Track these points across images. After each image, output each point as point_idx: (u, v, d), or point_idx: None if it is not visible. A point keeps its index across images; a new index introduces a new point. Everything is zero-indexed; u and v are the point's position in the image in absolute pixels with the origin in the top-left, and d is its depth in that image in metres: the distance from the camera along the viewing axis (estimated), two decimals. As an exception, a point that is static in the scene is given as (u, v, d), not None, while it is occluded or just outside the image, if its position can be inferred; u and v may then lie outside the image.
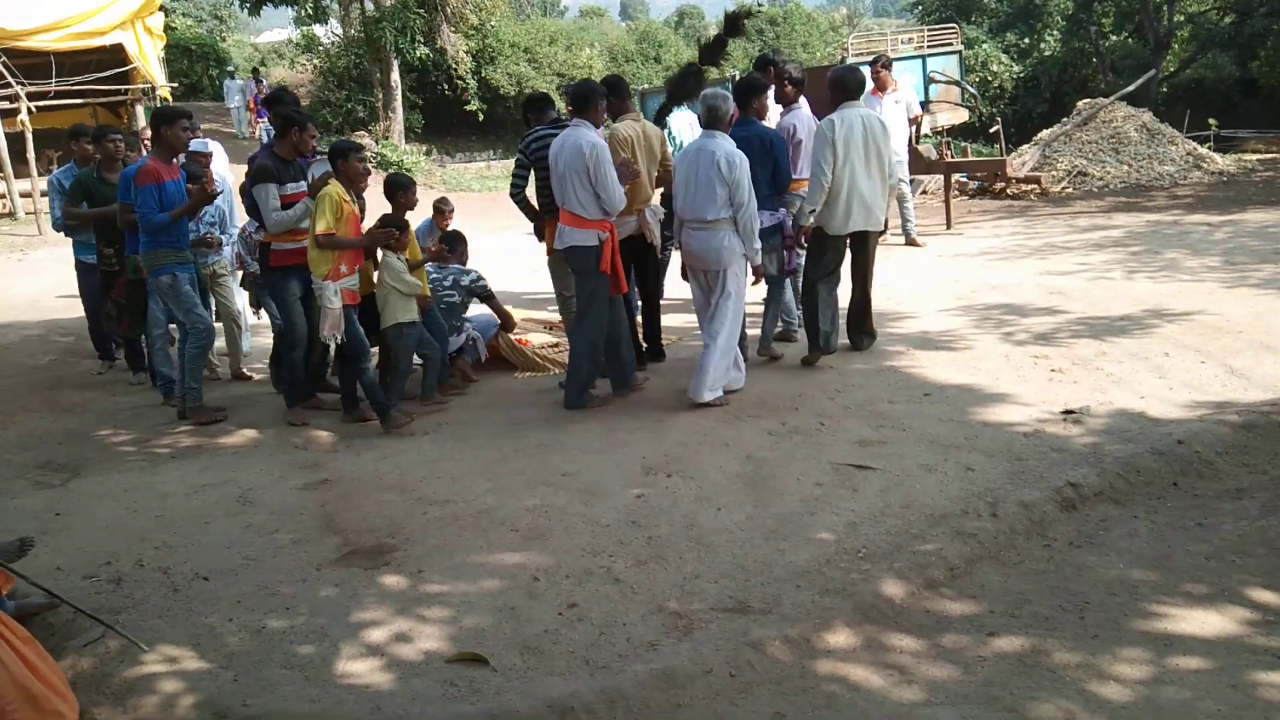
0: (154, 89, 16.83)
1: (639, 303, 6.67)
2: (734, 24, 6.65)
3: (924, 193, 14.49)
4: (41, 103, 15.71)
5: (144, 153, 7.42)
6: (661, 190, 6.39)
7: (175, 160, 6.12)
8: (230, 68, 28.15)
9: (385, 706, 3.06)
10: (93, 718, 3.11)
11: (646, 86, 22.17)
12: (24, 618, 3.44)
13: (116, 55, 16.23)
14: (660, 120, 7.07)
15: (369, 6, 23.96)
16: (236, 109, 24.45)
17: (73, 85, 15.92)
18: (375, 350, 6.18)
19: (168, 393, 6.49)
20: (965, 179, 14.51)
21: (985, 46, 27.75)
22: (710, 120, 5.67)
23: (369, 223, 5.92)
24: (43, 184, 16.80)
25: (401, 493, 4.76)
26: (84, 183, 6.90)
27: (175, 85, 21.68)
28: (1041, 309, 7.36)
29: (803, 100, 7.03)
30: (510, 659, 3.30)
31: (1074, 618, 3.44)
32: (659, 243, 6.39)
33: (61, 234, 7.29)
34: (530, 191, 6.44)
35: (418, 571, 3.94)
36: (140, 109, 16.71)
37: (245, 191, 6.02)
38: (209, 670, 3.31)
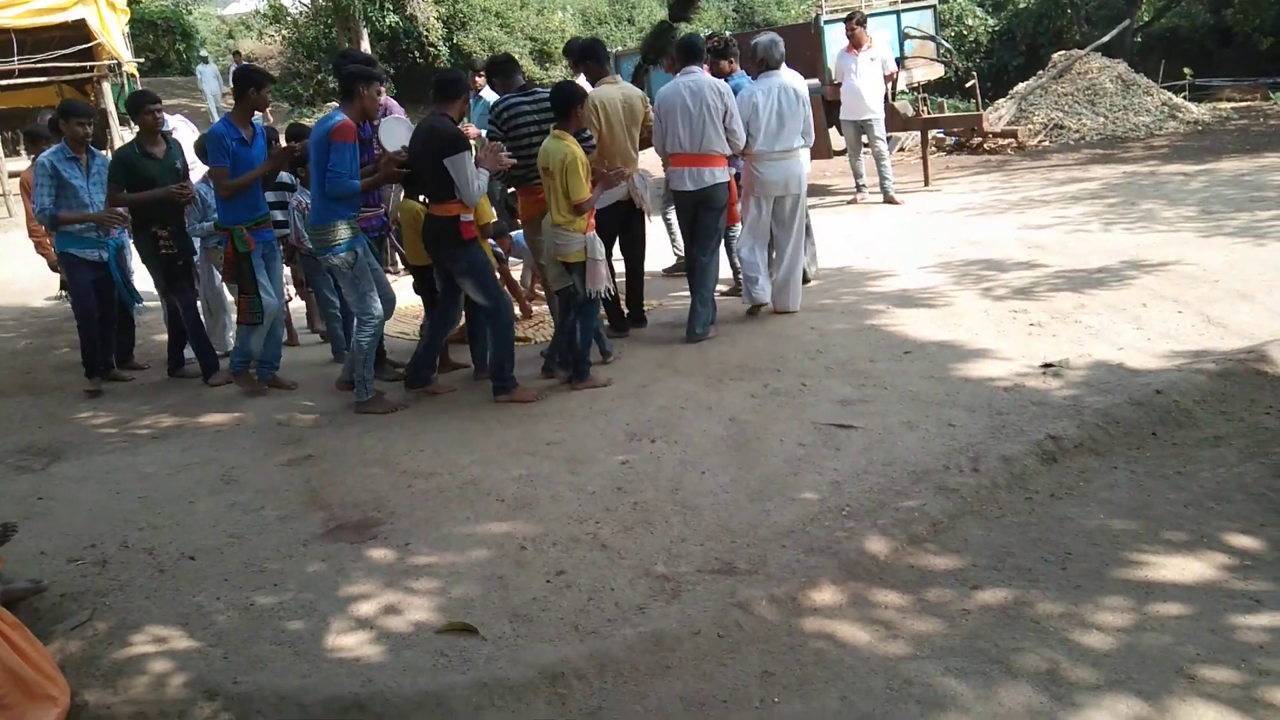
0: (120, 64, 16.52)
1: (623, 268, 6.65)
2: None
3: (901, 150, 14.45)
4: (4, 82, 15.41)
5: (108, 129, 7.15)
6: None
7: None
8: (203, 53, 25.97)
9: (376, 679, 3.08)
10: (83, 700, 3.11)
11: (621, 49, 21.97)
12: (10, 603, 3.44)
13: (80, 31, 15.89)
14: (638, 80, 7.00)
15: (336, -26, 23.55)
16: (214, 96, 22.01)
17: (36, 63, 15.61)
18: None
19: (239, 370, 6.07)
20: (942, 135, 14.47)
21: (960, 0, 27.57)
22: (772, 61, 6.40)
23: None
24: (12, 165, 16.57)
25: (386, 466, 4.76)
26: (126, 160, 6.22)
27: (142, 60, 21.20)
28: (1020, 263, 7.38)
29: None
30: (500, 627, 3.31)
31: (1056, 569, 3.48)
32: (649, 209, 6.36)
33: (45, 227, 6.59)
34: None
35: (405, 544, 3.95)
36: (107, 86, 16.41)
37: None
38: (198, 649, 3.31)
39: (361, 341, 5.45)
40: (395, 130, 5.67)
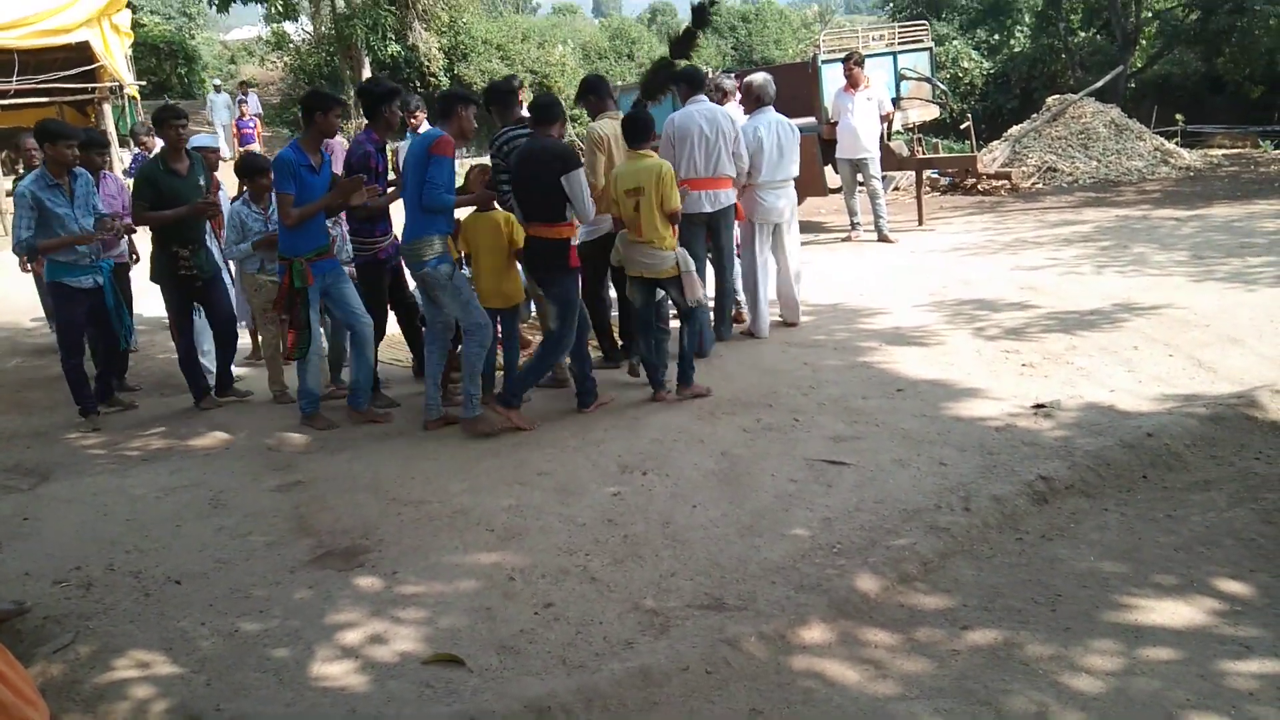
0: (121, 87, 16.62)
1: (615, 300, 6.68)
2: (700, 15, 6.68)
3: (896, 189, 14.56)
4: (4, 101, 15.48)
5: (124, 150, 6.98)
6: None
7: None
8: (216, 81, 25.33)
9: (361, 709, 3.05)
10: (63, 725, 3.07)
11: (620, 84, 22.17)
12: (-8, 625, 3.40)
13: (83, 53, 16.01)
14: None
15: (340, 3, 23.84)
16: (225, 127, 21.12)
17: (37, 83, 15.68)
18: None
19: (311, 411, 5.86)
20: (937, 175, 14.59)
21: (956, 43, 27.93)
22: (767, 98, 6.92)
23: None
24: (9, 184, 16.58)
25: (375, 493, 4.74)
26: (150, 177, 6.02)
27: (144, 83, 21.35)
28: (1012, 304, 7.42)
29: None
30: (487, 659, 3.29)
31: (1046, 610, 3.47)
32: None
33: (21, 257, 6.42)
34: None
35: (392, 573, 3.92)
36: (108, 107, 16.49)
37: None
38: (181, 675, 3.28)
39: (471, 353, 5.41)
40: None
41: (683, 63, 6.61)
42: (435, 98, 6.17)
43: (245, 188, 6.38)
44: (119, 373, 6.87)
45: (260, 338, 6.75)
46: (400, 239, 5.59)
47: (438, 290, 5.39)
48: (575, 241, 5.66)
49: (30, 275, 7.62)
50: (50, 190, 5.82)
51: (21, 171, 7.24)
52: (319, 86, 25.42)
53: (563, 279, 5.47)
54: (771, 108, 6.97)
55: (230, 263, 6.79)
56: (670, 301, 5.90)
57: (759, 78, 7.07)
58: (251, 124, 20.28)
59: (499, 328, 5.88)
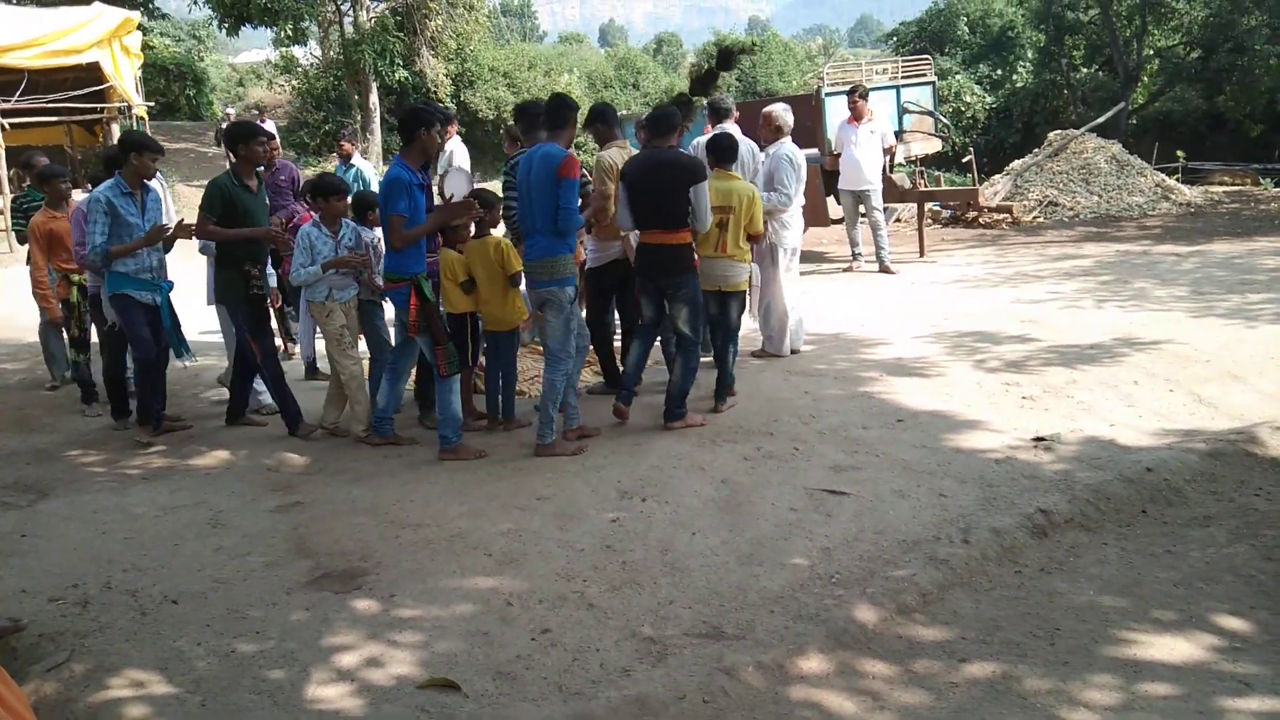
0: (130, 108, 16.76)
1: (618, 327, 6.70)
2: (726, 58, 6.77)
3: (898, 221, 14.63)
4: (15, 119, 15.60)
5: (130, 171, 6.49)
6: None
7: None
8: (229, 109, 24.79)
9: (356, 732, 3.03)
10: (56, 744, 3.06)
11: (625, 113, 22.32)
12: (-13, 641, 3.39)
13: (93, 73, 16.16)
14: None
15: (348, 29, 24.01)
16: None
17: (47, 103, 15.82)
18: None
19: (456, 442, 5.51)
20: (938, 207, 14.67)
21: (959, 77, 28.19)
22: (788, 129, 7.09)
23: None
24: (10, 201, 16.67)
25: (374, 516, 4.73)
26: (224, 190, 5.82)
27: (152, 104, 21.50)
28: (1013, 336, 7.44)
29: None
30: (483, 685, 3.28)
31: (1044, 644, 3.46)
32: None
33: (94, 266, 6.03)
34: None
35: (390, 596, 3.91)
36: (116, 127, 16.62)
37: None
38: (176, 695, 3.27)
39: (557, 380, 5.41)
40: (458, 181, 5.73)
41: (699, 100, 6.71)
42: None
43: (317, 209, 6.03)
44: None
45: (340, 371, 5.99)
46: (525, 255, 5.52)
47: (554, 309, 5.39)
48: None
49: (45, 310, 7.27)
50: (124, 199, 5.80)
51: (28, 189, 7.21)
52: (327, 111, 25.62)
53: (689, 281, 5.64)
54: (790, 138, 7.08)
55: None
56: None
57: (779, 108, 7.15)
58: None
59: (497, 351, 5.89)
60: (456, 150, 8.76)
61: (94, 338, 7.08)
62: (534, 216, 5.29)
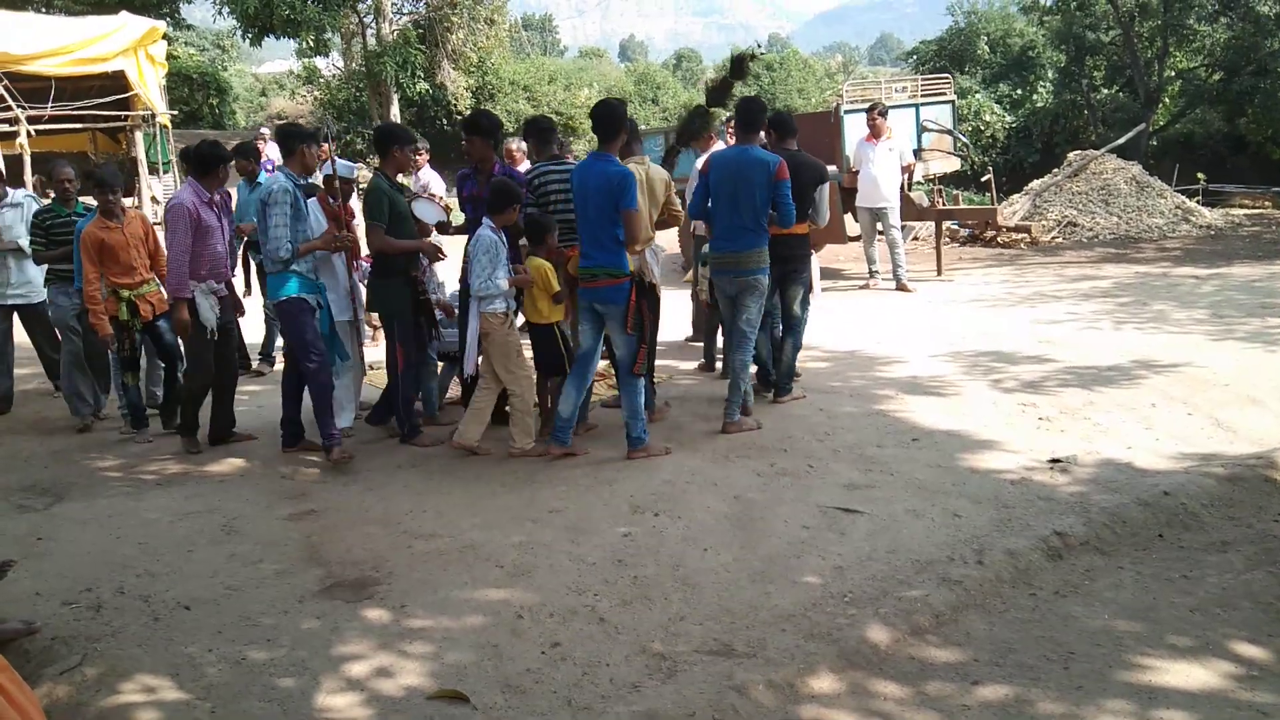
0: (154, 116, 16.91)
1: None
2: (739, 66, 6.76)
3: (916, 239, 14.61)
4: (40, 126, 15.77)
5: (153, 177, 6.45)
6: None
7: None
8: (264, 129, 24.65)
9: (364, 742, 3.03)
10: (67, 748, 3.07)
11: (645, 128, 22.40)
12: (1, 643, 3.41)
13: (118, 82, 16.32)
14: (668, 162, 7.06)
15: (370, 41, 24.23)
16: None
17: (72, 110, 15.99)
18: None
19: (645, 440, 5.50)
20: (957, 226, 14.64)
21: (978, 96, 28.14)
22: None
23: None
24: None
25: (387, 526, 4.74)
26: (389, 194, 5.62)
27: (175, 113, 21.67)
28: (1030, 357, 7.40)
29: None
30: (492, 697, 3.27)
31: (1058, 668, 3.43)
32: (659, 281, 6.41)
33: (281, 263, 5.58)
34: None
35: (401, 606, 3.91)
36: (139, 135, 16.78)
37: None
38: (187, 701, 3.27)
39: (746, 359, 5.97)
40: (428, 210, 6.03)
41: (718, 111, 6.78)
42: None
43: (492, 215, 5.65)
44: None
45: (511, 384, 5.65)
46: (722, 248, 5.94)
47: (752, 294, 5.89)
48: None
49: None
50: (299, 190, 5.65)
51: (52, 197, 7.08)
52: (348, 122, 25.76)
53: (805, 267, 6.47)
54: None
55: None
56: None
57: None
58: (270, 164, 20.25)
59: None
60: (433, 181, 8.82)
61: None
62: (732, 209, 5.81)
